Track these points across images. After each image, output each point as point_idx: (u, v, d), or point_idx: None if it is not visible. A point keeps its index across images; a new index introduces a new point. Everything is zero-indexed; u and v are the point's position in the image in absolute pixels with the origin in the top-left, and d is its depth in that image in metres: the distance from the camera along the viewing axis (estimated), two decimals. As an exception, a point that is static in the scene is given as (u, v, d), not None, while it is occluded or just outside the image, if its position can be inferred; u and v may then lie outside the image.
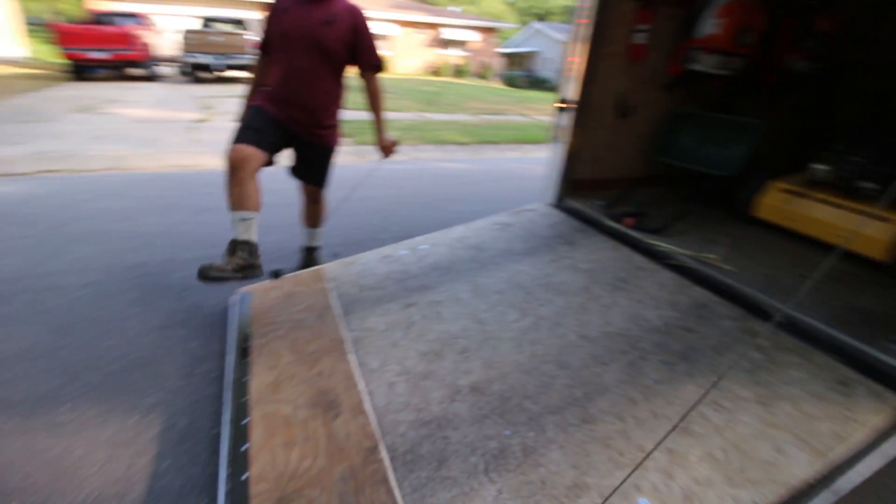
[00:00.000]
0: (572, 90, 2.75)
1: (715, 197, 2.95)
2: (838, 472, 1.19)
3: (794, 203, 2.55)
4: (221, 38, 11.03)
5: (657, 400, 1.42)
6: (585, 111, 2.84)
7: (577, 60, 2.67)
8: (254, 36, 11.36)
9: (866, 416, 1.31)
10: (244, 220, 1.91)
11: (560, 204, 2.97)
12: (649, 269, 2.14)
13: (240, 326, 1.95)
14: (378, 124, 2.30)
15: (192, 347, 2.03)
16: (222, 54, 11.03)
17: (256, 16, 14.16)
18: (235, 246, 1.93)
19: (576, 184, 3.06)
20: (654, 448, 1.16)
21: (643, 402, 1.42)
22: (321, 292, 2.12)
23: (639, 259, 2.23)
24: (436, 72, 22.65)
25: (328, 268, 2.37)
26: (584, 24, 2.61)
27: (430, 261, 2.37)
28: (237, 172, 1.88)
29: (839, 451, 1.22)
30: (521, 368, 1.60)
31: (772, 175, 2.73)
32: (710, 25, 2.67)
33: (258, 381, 1.59)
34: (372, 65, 2.16)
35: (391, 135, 2.35)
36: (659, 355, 1.60)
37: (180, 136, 6.47)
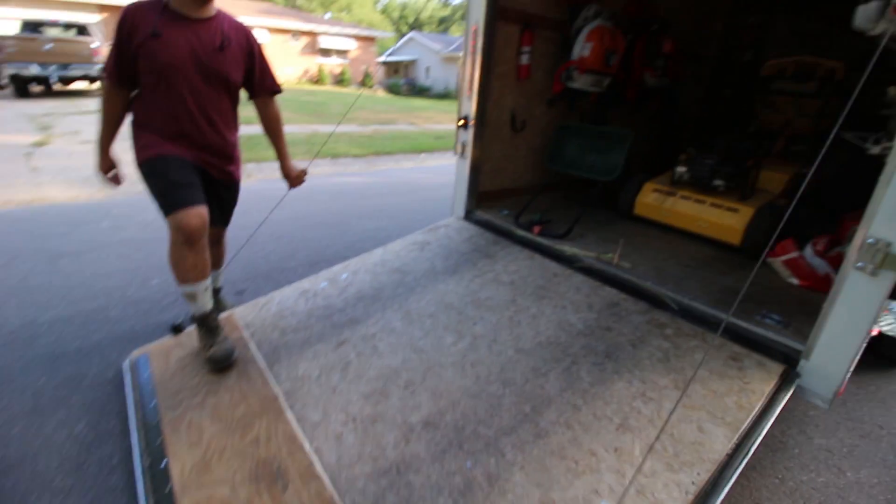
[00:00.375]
0: (471, 108, 2.86)
1: (602, 199, 3.30)
2: (747, 438, 1.40)
3: (665, 201, 2.97)
4: (51, 45, 9.33)
5: (596, 402, 1.54)
6: (484, 127, 2.98)
7: (473, 80, 2.79)
8: (98, 42, 9.83)
9: (758, 385, 1.57)
10: (206, 289, 1.81)
11: (470, 217, 3.06)
12: (563, 274, 2.31)
13: (141, 398, 1.66)
14: (282, 152, 2.14)
15: (77, 432, 1.68)
16: (57, 64, 9.35)
17: (95, 19, 12.23)
18: (208, 319, 1.83)
19: (481, 196, 3.19)
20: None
21: (585, 407, 1.52)
22: (237, 343, 1.90)
23: (552, 265, 2.40)
24: (316, 81, 21.88)
25: (239, 312, 2.14)
26: (476, 46, 2.73)
27: (353, 291, 2.27)
28: (198, 241, 1.68)
29: (744, 419, 1.45)
30: (469, 393, 1.61)
31: (646, 177, 3.15)
32: (582, 48, 2.98)
33: (180, 463, 1.37)
34: (270, 89, 2.00)
35: (296, 163, 2.21)
36: (588, 357, 1.73)
37: (16, 164, 5.33)
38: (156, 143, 1.72)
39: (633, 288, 2.16)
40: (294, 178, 2.19)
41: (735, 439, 1.38)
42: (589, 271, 2.33)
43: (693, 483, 1.26)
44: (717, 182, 2.75)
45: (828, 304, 1.59)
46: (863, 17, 1.70)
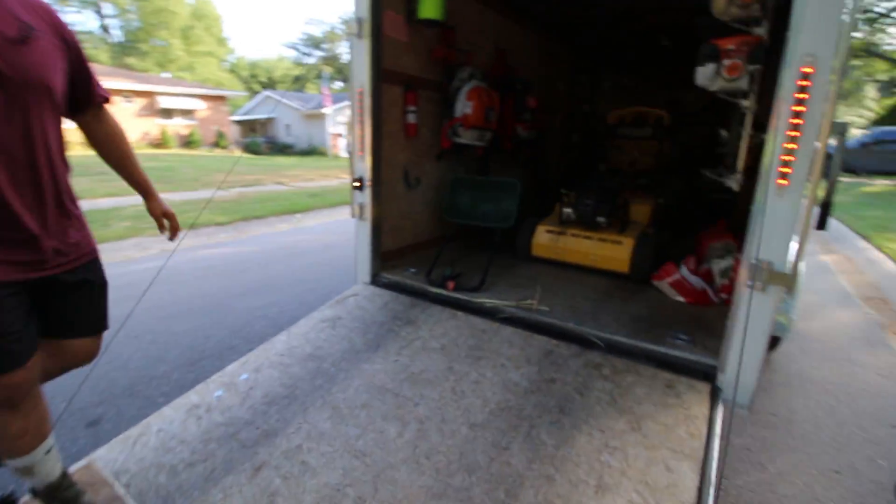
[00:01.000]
0: (365, 168, 2.74)
1: (501, 244, 3.40)
2: (706, 465, 1.44)
3: (558, 240, 3.18)
4: None
5: (567, 466, 1.45)
6: (379, 186, 2.88)
7: (365, 140, 2.69)
8: None
9: (697, 409, 1.66)
10: (48, 451, 1.34)
11: (378, 281, 2.88)
12: (491, 329, 2.25)
13: None
14: (142, 182, 1.59)
15: None
16: None
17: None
18: (59, 488, 1.35)
19: (384, 256, 3.04)
20: None
21: (558, 475, 1.43)
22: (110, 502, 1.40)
23: (477, 321, 2.33)
24: (159, 144, 19.73)
25: (103, 456, 1.61)
26: (364, 108, 2.66)
27: (260, 394, 1.89)
28: (23, 399, 1.23)
29: (699, 448, 1.49)
30: (433, 493, 1.39)
31: (536, 220, 3.35)
32: (464, 107, 3.13)
33: None
34: (104, 96, 1.45)
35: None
36: (544, 417, 1.66)
37: None
38: None
39: (559, 331, 2.19)
40: (170, 217, 1.68)
41: (698, 469, 1.41)
42: (513, 321, 2.32)
43: (684, 533, 1.23)
44: (600, 219, 3.04)
45: (731, 321, 1.78)
46: (702, 76, 2.06)
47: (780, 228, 1.64)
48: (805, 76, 1.52)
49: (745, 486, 1.90)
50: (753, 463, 2.04)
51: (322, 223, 7.91)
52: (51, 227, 1.23)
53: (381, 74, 2.74)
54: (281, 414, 1.77)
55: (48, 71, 1.15)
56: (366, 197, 2.79)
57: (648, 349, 2.02)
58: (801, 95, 1.54)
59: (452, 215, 3.34)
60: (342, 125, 25.59)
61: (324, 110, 23.86)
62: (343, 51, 42.71)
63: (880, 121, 22.33)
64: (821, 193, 1.69)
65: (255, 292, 4.04)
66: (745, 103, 2.13)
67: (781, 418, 2.38)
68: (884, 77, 22.76)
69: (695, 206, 4.42)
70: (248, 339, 3.07)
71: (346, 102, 27.14)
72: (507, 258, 3.34)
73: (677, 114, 4.61)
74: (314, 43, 41.63)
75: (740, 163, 2.30)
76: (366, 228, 2.85)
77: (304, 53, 42.09)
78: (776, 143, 1.60)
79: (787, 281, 1.64)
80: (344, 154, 26.47)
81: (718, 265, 2.63)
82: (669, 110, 4.00)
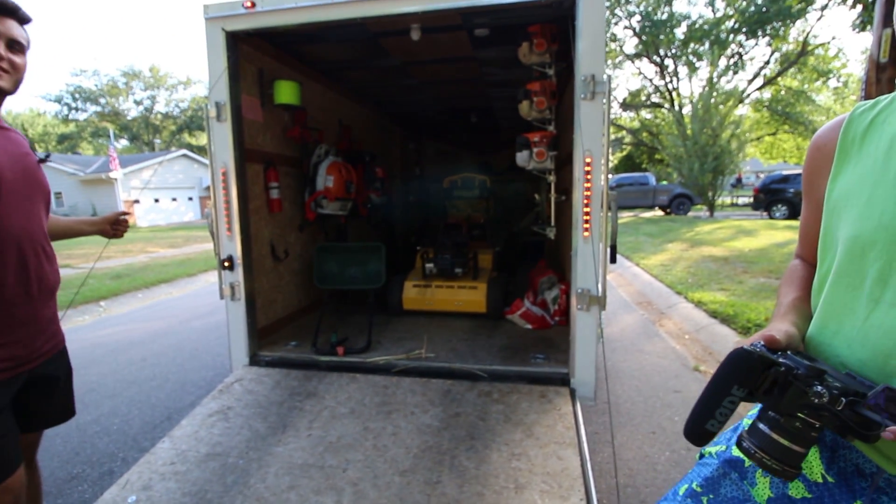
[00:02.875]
0: (235, 247, 2.70)
1: (373, 304, 3.64)
2: (580, 448, 1.92)
3: (425, 292, 3.58)
4: None
5: (489, 480, 1.76)
6: (250, 263, 2.85)
7: (233, 219, 2.67)
8: None
9: (565, 408, 2.17)
10: None
11: (258, 361, 2.78)
12: (391, 383, 2.45)
13: None
14: (75, 227, 1.78)
15: None
16: None
17: None
18: None
19: (259, 333, 2.96)
20: None
21: (485, 490, 1.71)
22: None
23: (376, 379, 2.50)
24: None
25: None
26: (228, 187, 2.66)
27: (161, 511, 1.70)
28: None
29: (573, 436, 1.98)
30: (388, 542, 1.52)
31: (401, 277, 3.70)
32: (326, 180, 3.36)
33: None
34: None
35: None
36: (460, 446, 1.94)
37: None
38: None
39: (449, 372, 2.53)
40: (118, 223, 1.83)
41: (578, 453, 1.88)
42: (408, 372, 2.57)
43: (581, 500, 1.65)
44: (457, 270, 3.57)
45: (571, 338, 2.39)
46: (520, 160, 2.77)
47: (589, 265, 2.34)
48: (588, 163, 2.28)
49: (602, 461, 2.49)
50: (603, 442, 2.68)
51: (136, 309, 6.79)
52: (41, 320, 1.38)
53: (244, 154, 2.80)
54: (195, 526, 1.63)
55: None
56: (237, 275, 2.73)
57: (519, 371, 2.51)
58: (588, 175, 2.29)
59: (323, 282, 3.46)
60: (137, 191, 22.19)
61: (112, 174, 20.37)
62: (127, 107, 37.41)
63: (616, 169, 30.24)
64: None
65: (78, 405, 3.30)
66: (550, 178, 2.93)
67: (611, 404, 3.15)
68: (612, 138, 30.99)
69: (515, 250, 5.43)
70: (94, 462, 2.55)
71: (139, 164, 23.79)
72: (379, 315, 3.58)
73: (490, 174, 5.69)
74: (87, 97, 35.45)
75: (552, 218, 3.10)
76: (239, 308, 2.76)
77: (75, 108, 35.39)
78: (578, 207, 2.32)
79: (600, 301, 2.33)
80: (144, 224, 22.89)
81: (550, 295, 3.39)
82: (488, 175, 4.97)
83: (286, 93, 3.00)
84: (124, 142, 40.16)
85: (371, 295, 3.28)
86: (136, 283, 8.25)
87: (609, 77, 2.21)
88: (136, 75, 36.10)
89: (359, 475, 1.82)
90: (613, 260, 2.39)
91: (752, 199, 18.81)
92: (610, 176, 2.40)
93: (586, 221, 2.31)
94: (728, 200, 25.46)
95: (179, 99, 39.06)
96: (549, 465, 1.82)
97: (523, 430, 2.02)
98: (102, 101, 36.19)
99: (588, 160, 2.27)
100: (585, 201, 2.29)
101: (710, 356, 4.07)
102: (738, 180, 26.43)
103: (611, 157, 3.03)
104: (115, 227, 1.82)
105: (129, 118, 37.74)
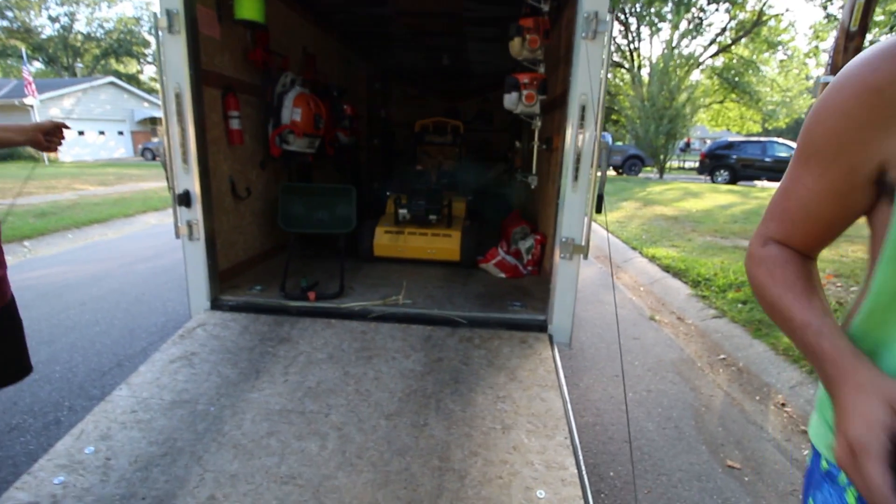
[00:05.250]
0: (192, 181, 2.43)
1: (343, 248, 3.48)
2: (560, 389, 1.97)
3: (397, 239, 3.47)
4: None
5: (476, 422, 1.77)
6: (210, 199, 2.59)
7: (189, 149, 2.38)
8: None
9: (544, 352, 2.20)
10: None
11: (220, 304, 2.60)
12: (369, 329, 2.38)
13: None
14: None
15: None
16: None
17: None
18: None
19: (221, 277, 2.76)
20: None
21: (473, 431, 1.72)
22: None
23: (353, 325, 2.42)
24: None
25: None
26: (182, 111, 2.35)
27: (125, 462, 1.57)
28: None
29: (554, 378, 2.02)
30: (377, 484, 1.50)
31: (373, 223, 3.55)
32: (293, 113, 3.06)
33: None
34: None
35: None
36: (445, 389, 1.93)
37: None
38: None
39: (428, 318, 2.49)
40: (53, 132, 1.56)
41: (560, 394, 1.93)
42: (385, 318, 2.50)
43: (566, 438, 1.70)
44: (431, 217, 3.46)
45: (552, 286, 2.40)
46: (509, 102, 2.63)
47: (576, 214, 2.32)
48: (582, 108, 2.19)
49: (573, 401, 2.60)
50: (572, 385, 2.79)
51: (67, 250, 6.19)
52: None
53: (200, 75, 2.46)
54: (168, 473, 1.53)
55: None
56: (196, 213, 2.48)
57: (499, 318, 2.51)
58: (582, 120, 2.21)
59: (289, 224, 3.24)
60: (59, 121, 19.69)
61: (26, 101, 17.90)
62: (41, 23, 32.43)
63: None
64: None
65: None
66: (536, 123, 2.83)
67: (577, 350, 3.28)
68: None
69: (485, 200, 5.36)
70: (36, 412, 2.33)
71: (59, 91, 20.97)
72: (352, 262, 3.44)
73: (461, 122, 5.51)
74: (-12, 7, 30.25)
75: (534, 167, 3.03)
76: (199, 248, 2.53)
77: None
78: (569, 154, 2.25)
79: (583, 250, 2.33)
80: (67, 158, 20.61)
81: (524, 245, 3.38)
82: (459, 120, 4.77)
83: (249, 6, 2.62)
84: (38, 64, 35.06)
85: (341, 239, 3.13)
86: (65, 222, 7.48)
87: (611, 17, 2.09)
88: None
89: (342, 419, 1.77)
90: (599, 209, 2.38)
91: (698, 164, 19.71)
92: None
93: (576, 169, 2.26)
94: (676, 164, 26.60)
95: (104, 18, 34.34)
96: (533, 406, 1.85)
97: (506, 374, 2.04)
98: (9, 14, 31.07)
99: (583, 104, 2.18)
100: (576, 148, 2.23)
101: (664, 307, 4.31)
102: (687, 145, 27.54)
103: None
104: (49, 137, 1.54)
105: (43, 37, 32.82)
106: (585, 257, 2.36)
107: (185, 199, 2.43)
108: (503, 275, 3.28)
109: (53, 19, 32.74)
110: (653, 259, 5.57)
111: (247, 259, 3.19)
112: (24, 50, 21.45)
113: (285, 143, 3.11)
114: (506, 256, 3.32)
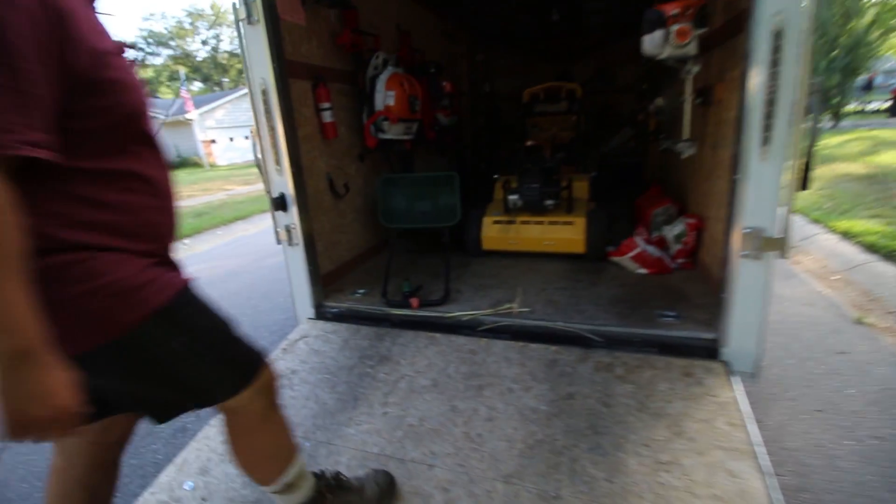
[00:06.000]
0: (286, 183, 2.26)
1: (448, 243, 3.14)
2: (756, 455, 1.36)
3: (508, 230, 3.00)
4: None
5: (630, 499, 1.26)
6: (306, 200, 2.42)
7: (280, 149, 2.21)
8: None
9: (721, 392, 1.58)
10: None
11: (324, 313, 2.44)
12: (479, 347, 1.99)
13: None
14: None
15: None
16: None
17: None
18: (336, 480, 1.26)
19: (323, 280, 2.60)
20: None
21: (626, 515, 1.23)
22: None
23: (460, 341, 2.05)
24: None
25: None
26: (270, 109, 2.17)
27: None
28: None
29: (746, 438, 1.40)
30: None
31: (479, 212, 3.13)
32: (386, 98, 2.75)
33: None
34: None
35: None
36: (581, 444, 1.45)
37: None
38: (156, 269, 0.91)
39: (552, 334, 2.01)
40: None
41: (757, 466, 1.31)
42: (498, 331, 2.08)
43: (781, 548, 1.11)
44: (548, 202, 2.91)
45: (729, 294, 1.73)
46: (650, 44, 1.96)
47: (766, 193, 1.60)
48: (776, 35, 1.46)
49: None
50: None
51: (216, 246, 6.93)
52: None
53: (285, 67, 2.25)
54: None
55: None
56: (292, 216, 2.31)
57: (646, 335, 1.92)
58: (774, 55, 1.48)
59: (390, 220, 2.98)
60: (213, 130, 22.98)
61: (188, 116, 21.11)
62: (195, 47, 38.12)
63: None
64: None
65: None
66: (691, 69, 2.09)
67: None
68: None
69: (610, 175, 4.57)
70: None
71: (212, 104, 24.42)
72: (455, 257, 3.08)
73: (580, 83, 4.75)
74: (159, 40, 36.46)
75: (686, 130, 2.29)
76: (298, 253, 2.38)
77: (150, 53, 36.71)
78: (753, 106, 1.54)
79: (780, 245, 1.61)
80: (222, 162, 23.93)
81: (671, 231, 2.66)
82: (579, 83, 4.05)
83: (331, -19, 2.34)
84: (198, 84, 41.46)
85: (445, 234, 2.77)
86: (215, 220, 8.47)
87: None
88: (199, 15, 36.25)
89: (449, 476, 1.40)
90: (804, 185, 1.62)
91: (889, 104, 15.40)
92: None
93: (767, 128, 1.54)
94: (854, 108, 21.11)
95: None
96: (716, 484, 1.28)
97: (668, 426, 1.48)
98: (172, 43, 37.08)
99: (777, 29, 1.45)
100: (768, 98, 1.51)
101: (876, 304, 3.17)
102: (870, 82, 21.63)
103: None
104: None
105: (198, 59, 38.56)
106: (784, 256, 1.64)
107: (280, 203, 2.27)
108: (644, 270, 2.62)
109: (205, 42, 38.17)
110: (847, 235, 4.24)
111: (351, 259, 3.03)
112: (182, 72, 25.29)
113: (380, 131, 2.82)
114: (647, 247, 2.64)
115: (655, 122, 3.93)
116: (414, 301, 2.32)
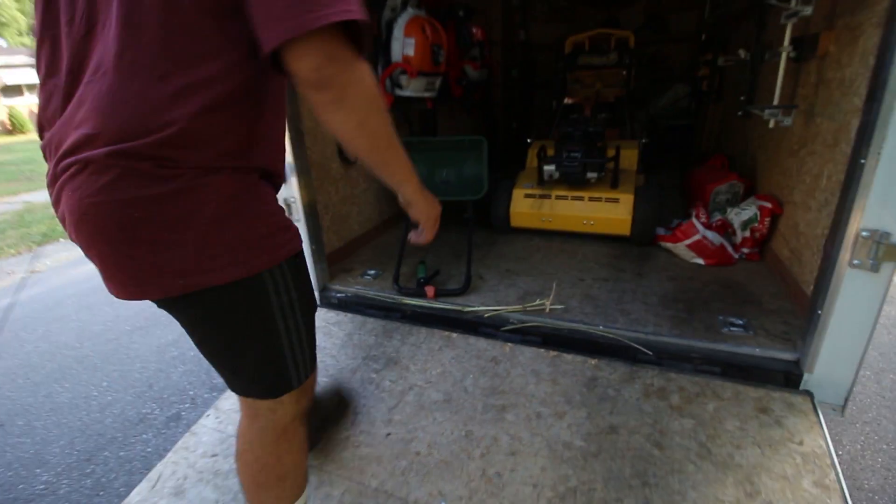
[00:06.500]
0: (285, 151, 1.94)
1: (475, 221, 2.79)
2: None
3: (542, 205, 2.62)
4: None
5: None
6: (307, 170, 2.10)
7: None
8: None
9: (808, 438, 1.25)
10: None
11: (329, 298, 2.18)
12: (502, 354, 1.69)
13: None
14: None
15: None
16: None
17: None
18: None
19: (329, 259, 2.32)
20: None
21: None
22: None
23: (480, 344, 1.76)
24: (11, 130, 16.25)
25: None
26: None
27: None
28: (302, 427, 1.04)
29: (838, 491, 1.09)
30: None
31: (509, 183, 2.75)
32: (404, 46, 2.34)
33: None
34: None
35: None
36: (626, 498, 1.17)
37: None
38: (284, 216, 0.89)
39: (591, 343, 1.69)
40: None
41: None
42: (525, 333, 1.78)
43: None
44: (590, 174, 2.50)
45: (826, 311, 1.35)
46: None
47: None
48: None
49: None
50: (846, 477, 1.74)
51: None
52: None
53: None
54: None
55: None
56: (291, 188, 2.01)
57: (707, 350, 1.58)
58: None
59: (407, 192, 2.65)
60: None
61: None
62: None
63: None
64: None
65: (157, 325, 3.11)
66: (802, 9, 1.59)
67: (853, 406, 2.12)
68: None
69: (660, 141, 4.04)
70: (164, 401, 2.27)
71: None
72: (480, 235, 2.74)
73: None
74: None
75: (777, 93, 1.81)
76: (300, 230, 2.09)
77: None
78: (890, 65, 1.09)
79: (908, 255, 1.21)
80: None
81: (739, 216, 2.23)
82: (630, 32, 3.46)
83: None
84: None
85: (469, 209, 2.43)
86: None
87: None
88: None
89: (462, 528, 1.15)
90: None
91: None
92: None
93: (917, 93, 1.10)
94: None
95: None
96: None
97: (739, 483, 1.16)
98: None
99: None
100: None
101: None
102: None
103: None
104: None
105: None
106: (909, 268, 1.24)
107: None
108: (700, 260, 2.23)
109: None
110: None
111: (363, 233, 2.74)
112: None
113: (398, 86, 2.43)
114: (707, 233, 2.23)
115: (719, 79, 3.36)
116: (429, 290, 2.02)
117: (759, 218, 2.15)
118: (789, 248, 1.96)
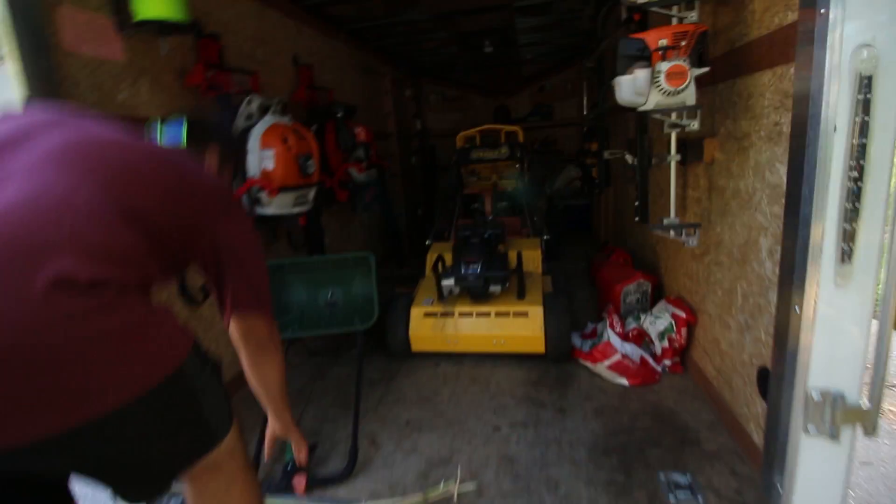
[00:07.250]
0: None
1: (361, 358, 2.32)
2: None
3: (444, 325, 2.25)
4: None
5: None
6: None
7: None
8: None
9: None
10: None
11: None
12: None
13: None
14: None
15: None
16: None
17: None
18: None
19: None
20: None
21: None
22: None
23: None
24: None
25: None
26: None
27: None
28: None
29: None
30: None
31: (406, 301, 2.37)
32: (263, 160, 1.96)
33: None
34: None
35: None
36: None
37: None
38: None
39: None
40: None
41: None
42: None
43: None
44: (493, 288, 2.21)
45: (787, 489, 1.07)
46: (628, 90, 1.33)
47: (849, 339, 0.98)
48: (865, 81, 0.85)
49: None
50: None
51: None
52: None
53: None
54: None
55: None
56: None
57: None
58: (863, 113, 0.87)
59: (284, 327, 2.14)
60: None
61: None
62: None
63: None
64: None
65: None
66: (690, 125, 1.48)
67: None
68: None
69: (557, 226, 4.00)
70: None
71: None
72: (371, 368, 2.28)
73: (517, 123, 4.22)
74: None
75: (672, 205, 1.69)
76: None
77: None
78: (823, 197, 0.92)
79: (868, 419, 0.99)
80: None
81: (655, 326, 2.03)
82: (516, 124, 3.48)
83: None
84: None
85: (359, 343, 1.98)
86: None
87: None
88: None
89: None
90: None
91: None
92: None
93: (849, 238, 0.93)
94: None
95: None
96: None
97: None
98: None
99: (866, 72, 0.85)
100: (849, 185, 0.90)
101: None
102: None
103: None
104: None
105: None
106: (871, 433, 1.01)
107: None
108: (625, 381, 1.96)
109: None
110: None
111: (231, 378, 2.13)
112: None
113: (258, 205, 2.01)
114: (625, 348, 2.00)
115: (606, 167, 3.43)
116: (299, 482, 1.49)
117: (675, 328, 1.96)
118: (714, 367, 1.76)
